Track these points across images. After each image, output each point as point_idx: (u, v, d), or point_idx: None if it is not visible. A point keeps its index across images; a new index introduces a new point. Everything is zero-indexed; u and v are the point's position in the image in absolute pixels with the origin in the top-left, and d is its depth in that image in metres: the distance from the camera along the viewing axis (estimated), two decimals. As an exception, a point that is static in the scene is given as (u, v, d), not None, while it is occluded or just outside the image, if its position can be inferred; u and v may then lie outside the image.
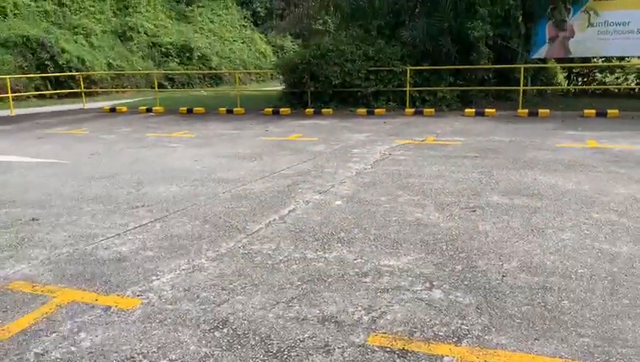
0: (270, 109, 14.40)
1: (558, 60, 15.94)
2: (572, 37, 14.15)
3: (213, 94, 22.17)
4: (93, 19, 26.90)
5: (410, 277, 3.53)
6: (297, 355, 2.63)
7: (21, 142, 10.25)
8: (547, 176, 6.29)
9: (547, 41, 14.37)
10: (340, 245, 4.19)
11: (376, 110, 13.56)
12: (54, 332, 2.92)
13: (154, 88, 20.52)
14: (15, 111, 15.64)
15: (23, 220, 5.03)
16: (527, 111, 12.48)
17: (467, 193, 5.63)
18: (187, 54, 29.80)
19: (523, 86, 13.20)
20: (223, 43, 34.48)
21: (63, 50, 22.94)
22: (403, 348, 2.67)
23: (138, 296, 3.34)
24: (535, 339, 2.72)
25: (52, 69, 22.13)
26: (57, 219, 5.06)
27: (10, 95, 16.00)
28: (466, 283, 3.42)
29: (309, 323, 2.96)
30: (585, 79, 17.42)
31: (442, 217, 4.83)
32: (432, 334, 2.81)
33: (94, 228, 4.73)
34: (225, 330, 2.89)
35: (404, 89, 13.71)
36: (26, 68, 21.74)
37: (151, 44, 28.90)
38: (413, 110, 13.34)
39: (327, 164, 7.43)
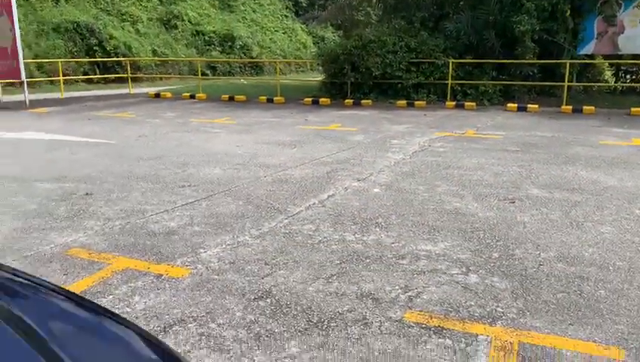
0: (310, 99, 14.55)
1: (606, 57, 15.51)
2: (622, 33, 13.75)
3: (254, 83, 22.47)
4: (140, 7, 27.57)
5: (446, 262, 3.62)
6: (337, 326, 2.77)
7: (72, 123, 10.71)
8: (589, 172, 6.23)
9: (595, 36, 14.01)
10: (377, 229, 4.30)
11: (417, 102, 13.54)
12: (111, 294, 3.15)
13: (196, 76, 20.96)
14: (65, 94, 16.25)
15: (78, 194, 5.33)
16: (571, 107, 12.24)
17: (506, 185, 5.65)
18: (229, 43, 30.21)
19: (568, 82, 12.94)
20: (265, 33, 34.80)
21: (111, 37, 23.64)
22: (439, 326, 2.78)
23: (187, 266, 3.54)
24: (569, 324, 2.78)
25: (100, 54, 22.85)
26: (109, 194, 5.34)
27: (61, 78, 16.65)
28: (502, 269, 3.49)
29: (348, 298, 3.09)
30: (634, 77, 16.90)
31: (480, 207, 4.88)
32: (468, 314, 2.90)
33: (144, 204, 4.98)
34: (268, 300, 3.05)
35: (446, 82, 13.63)
36: (75, 53, 22.52)
37: (194, 33, 29.43)
38: (454, 103, 13.26)
39: (366, 153, 7.53)
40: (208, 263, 3.59)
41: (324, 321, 2.82)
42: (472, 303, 3.02)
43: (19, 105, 13.51)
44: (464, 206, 4.92)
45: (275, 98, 15.07)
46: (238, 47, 30.51)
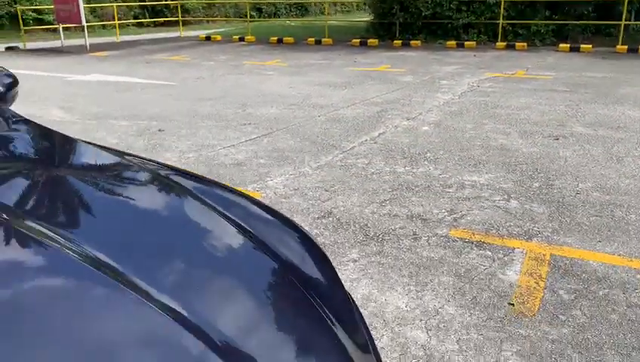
0: (358, 40, 14.62)
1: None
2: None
3: (300, 24, 22.49)
4: (187, -52, 27.52)
5: (489, 190, 3.98)
6: (390, 239, 3.22)
7: (133, 66, 11.30)
8: (636, 111, 6.33)
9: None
10: (426, 163, 4.67)
11: (467, 43, 13.44)
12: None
13: (242, 18, 21.09)
14: (120, 38, 16.86)
15: (151, 130, 5.89)
16: (626, 47, 11.92)
17: (552, 123, 5.86)
18: (275, -16, 29.98)
19: (625, 20, 12.52)
20: (311, -28, 34.22)
21: (160, -21, 23.89)
22: (480, 241, 3.18)
23: (257, 190, 4.04)
24: (598, 241, 3.13)
25: (150, -3, 23.24)
26: (179, 131, 5.87)
27: (116, 22, 17.22)
28: (541, 197, 3.83)
29: (399, 218, 3.52)
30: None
31: (525, 143, 5.15)
32: (506, 232, 3.29)
33: (212, 140, 5.49)
34: (330, 219, 3.52)
35: (497, 22, 13.42)
36: (127, -4, 22.98)
37: (241, -26, 29.31)
38: (504, 44, 13.10)
39: (415, 93, 7.78)
40: (275, 189, 4.08)
41: (379, 235, 3.27)
42: (511, 224, 3.40)
43: (80, 50, 14.21)
44: (509, 142, 5.20)
45: (323, 39, 15.22)
46: (283, -13, 30.29)
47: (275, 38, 15.84)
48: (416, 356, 2.21)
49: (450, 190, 4.02)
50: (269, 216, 1.35)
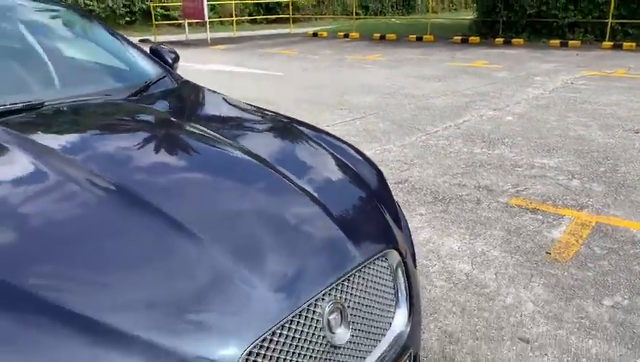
0: (459, 37, 14.87)
1: None
2: None
3: (405, 22, 22.90)
4: (300, -51, 28.85)
5: (556, 171, 4.39)
6: (455, 202, 3.79)
7: (249, 58, 12.49)
8: None
9: None
10: (503, 146, 5.13)
11: (571, 42, 13.24)
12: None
13: (349, 16, 21.92)
14: (236, 33, 18.35)
15: (261, 111, 6.81)
16: None
17: (637, 119, 6.00)
18: (383, -18, 30.53)
19: None
20: (419, -30, 34.36)
21: (274, -21, 25.36)
22: (535, 208, 3.66)
23: (347, 160, 4.75)
24: (645, 215, 3.50)
25: (264, -4, 24.77)
26: (285, 111, 6.72)
27: (234, 19, 18.75)
28: (603, 179, 4.19)
29: (467, 188, 4.07)
30: None
31: (602, 135, 5.41)
32: (561, 203, 3.73)
33: (310, 120, 6.26)
34: (406, 184, 4.15)
35: (605, 20, 13.08)
36: (243, -6, 24.68)
37: (350, -28, 30.20)
38: (611, 44, 12.76)
39: (506, 88, 8.10)
40: (362, 159, 4.77)
41: (446, 199, 3.85)
42: (567, 197, 3.83)
43: (202, 43, 15.77)
44: (587, 133, 5.49)
45: (424, 36, 15.62)
46: (391, -15, 30.76)
47: (378, 35, 16.48)
48: (459, 279, 2.81)
49: (520, 169, 4.48)
50: (358, 155, 2.08)
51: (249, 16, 24.08)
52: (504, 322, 2.44)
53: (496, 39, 14.29)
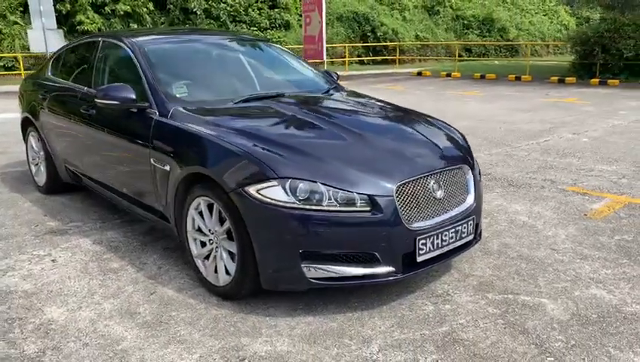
0: (556, 78, 15.85)
1: None
2: None
3: (506, 64, 23.96)
4: (408, -4, 30.97)
5: (610, 173, 5.63)
6: (523, 188, 5.19)
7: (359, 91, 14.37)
8: None
9: None
10: (572, 157, 6.40)
11: (668, 83, 13.83)
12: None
13: (452, 57, 23.39)
14: (347, 72, 20.47)
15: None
16: None
17: (701, 143, 6.98)
18: (487, 26, 31.79)
19: None
20: (524, 15, 35.23)
21: (382, 24, 27.56)
22: (584, 192, 4.98)
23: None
24: (669, 198, 4.70)
25: (372, 39, 26.97)
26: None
27: (347, 59, 20.97)
28: (648, 179, 5.38)
29: (536, 180, 5.44)
30: None
31: (663, 153, 6.51)
32: (606, 191, 5.01)
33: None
34: (488, 176, 5.60)
35: None
36: (352, 38, 27.07)
37: (454, 17, 31.81)
38: None
39: (589, 119, 9.21)
40: (456, 160, 6.28)
41: (517, 185, 5.27)
42: (613, 188, 5.09)
43: (318, 79, 17.99)
44: (650, 151, 6.60)
45: (522, 76, 16.75)
46: (496, 29, 31.93)
47: (479, 75, 17.83)
48: (518, 224, 4.23)
49: (582, 171, 5.76)
50: (450, 126, 3.70)
51: (357, 57, 26.35)
52: (542, 242, 3.85)
53: (592, 80, 15.11)
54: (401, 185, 2.78)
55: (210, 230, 3.04)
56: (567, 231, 4.04)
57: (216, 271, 3.04)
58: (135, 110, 3.49)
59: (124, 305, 3.00)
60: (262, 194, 2.67)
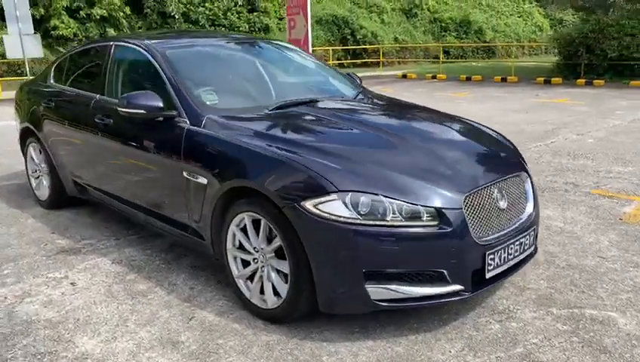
0: (542, 79, 15.96)
1: None
2: None
3: (486, 65, 24.12)
4: (386, -1, 31.05)
5: (630, 175, 5.55)
6: (548, 190, 5.06)
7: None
8: None
9: None
10: (584, 159, 6.32)
11: (652, 83, 14.02)
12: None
13: (431, 59, 23.44)
14: (331, 75, 20.33)
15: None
16: None
17: None
18: (464, 29, 32.03)
19: None
20: (500, 17, 35.64)
21: (361, 27, 27.51)
22: (611, 195, 4.87)
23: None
24: (699, 200, 4.62)
25: (351, 42, 26.88)
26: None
27: (330, 62, 20.75)
28: (669, 180, 5.32)
29: (557, 183, 5.32)
30: None
31: (673, 153, 6.48)
32: (632, 193, 4.91)
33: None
34: (508, 179, 5.46)
35: (687, 63, 13.79)
36: (332, 41, 26.93)
37: (432, 20, 31.98)
38: (693, 84, 13.44)
39: (588, 119, 9.21)
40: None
41: (541, 189, 5.13)
42: (637, 190, 5.00)
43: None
44: (660, 152, 6.57)
45: (508, 77, 16.82)
46: (472, 31, 32.19)
47: (464, 76, 17.85)
48: (555, 231, 4.08)
49: (600, 173, 5.67)
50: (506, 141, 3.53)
51: (337, 60, 26.22)
52: (587, 249, 3.71)
53: (578, 80, 15.25)
54: (468, 195, 2.59)
55: (255, 248, 2.80)
56: (608, 236, 3.91)
57: (262, 293, 2.80)
58: (161, 119, 3.23)
59: (163, 333, 2.73)
60: (320, 210, 2.45)
